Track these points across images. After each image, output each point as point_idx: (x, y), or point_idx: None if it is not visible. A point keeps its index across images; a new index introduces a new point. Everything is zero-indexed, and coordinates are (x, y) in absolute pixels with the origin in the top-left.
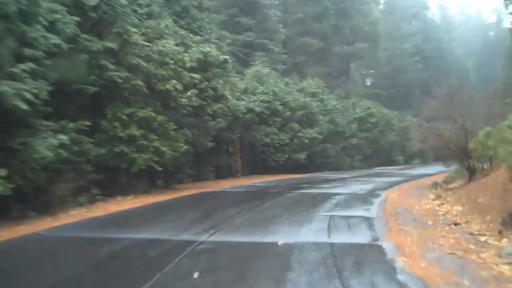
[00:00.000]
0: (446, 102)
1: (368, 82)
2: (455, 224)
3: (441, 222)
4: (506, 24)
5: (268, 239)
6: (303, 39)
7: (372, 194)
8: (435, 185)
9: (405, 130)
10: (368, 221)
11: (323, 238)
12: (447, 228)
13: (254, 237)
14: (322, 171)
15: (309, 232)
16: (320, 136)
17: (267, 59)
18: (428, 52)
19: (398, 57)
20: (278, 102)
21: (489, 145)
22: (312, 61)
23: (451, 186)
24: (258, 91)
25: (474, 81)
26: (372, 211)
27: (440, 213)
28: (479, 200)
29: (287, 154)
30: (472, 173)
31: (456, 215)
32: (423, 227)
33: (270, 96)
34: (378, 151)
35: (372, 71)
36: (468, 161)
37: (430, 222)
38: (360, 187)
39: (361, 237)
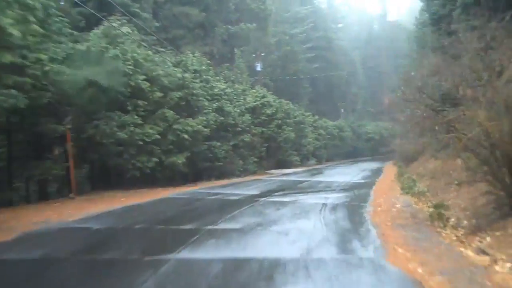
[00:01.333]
0: None
1: (259, 67)
2: None
3: None
4: (390, 18)
5: None
6: (181, 8)
7: None
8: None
9: (300, 125)
10: None
11: None
12: None
13: None
14: (209, 179)
15: None
16: (206, 130)
17: (132, 26)
18: (317, 40)
19: (287, 43)
20: (142, 77)
21: None
22: (191, 38)
23: None
24: (108, 55)
25: (360, 74)
26: None
27: None
28: None
29: (156, 157)
30: None
31: None
32: None
33: (129, 67)
34: (274, 151)
35: (260, 58)
36: None
37: None
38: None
39: None
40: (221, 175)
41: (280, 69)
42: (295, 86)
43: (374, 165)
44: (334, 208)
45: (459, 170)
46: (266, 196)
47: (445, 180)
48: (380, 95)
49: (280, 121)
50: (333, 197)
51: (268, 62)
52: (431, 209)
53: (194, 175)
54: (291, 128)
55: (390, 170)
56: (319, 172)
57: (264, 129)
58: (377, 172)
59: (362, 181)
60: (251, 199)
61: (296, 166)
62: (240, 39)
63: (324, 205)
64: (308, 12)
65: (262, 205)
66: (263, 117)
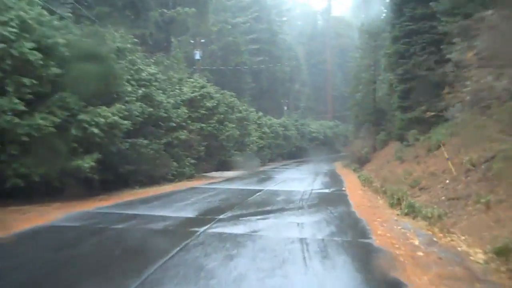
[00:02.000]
0: None
1: (197, 55)
2: None
3: None
4: (335, 13)
5: None
6: None
7: None
8: None
9: (244, 122)
10: None
11: None
12: None
13: None
14: (132, 188)
15: None
16: (126, 123)
17: None
18: (260, 32)
19: (229, 33)
20: (30, 44)
21: None
22: (120, 18)
23: None
24: None
25: (304, 71)
26: None
27: None
28: None
29: (50, 160)
30: None
31: None
32: None
33: (11, 29)
34: (215, 150)
35: (199, 45)
36: None
37: None
38: None
39: None
40: (149, 181)
41: (221, 61)
42: (237, 80)
43: (324, 167)
44: (323, 252)
45: (457, 176)
46: (208, 224)
47: (445, 193)
48: (324, 93)
49: (222, 116)
50: (308, 224)
51: (208, 53)
52: (490, 255)
53: (113, 182)
54: (234, 125)
55: (346, 173)
56: (268, 176)
57: (203, 124)
58: (334, 177)
59: (327, 190)
60: (183, 232)
61: (239, 168)
62: (177, 26)
63: (303, 243)
64: (252, 1)
65: (201, 247)
66: (202, 111)
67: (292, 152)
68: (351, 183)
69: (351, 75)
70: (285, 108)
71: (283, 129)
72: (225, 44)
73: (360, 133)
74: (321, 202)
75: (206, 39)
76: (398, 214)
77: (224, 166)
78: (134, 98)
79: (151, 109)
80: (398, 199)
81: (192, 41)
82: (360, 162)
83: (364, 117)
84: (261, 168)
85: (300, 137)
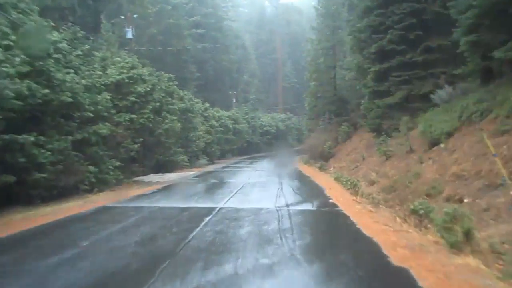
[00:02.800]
0: None
1: (129, 34)
2: None
3: None
4: (283, 1)
5: None
6: None
7: None
8: None
9: (188, 114)
10: None
11: None
12: None
13: None
14: (10, 211)
15: None
16: None
17: None
18: (205, 17)
19: (170, 14)
20: None
21: None
22: None
23: None
24: None
25: (253, 61)
26: None
27: None
28: None
29: None
30: None
31: None
32: None
33: None
34: (152, 148)
35: (132, 21)
36: None
37: None
38: None
39: None
40: (52, 195)
41: (162, 46)
42: (180, 69)
43: (283, 164)
44: None
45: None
46: None
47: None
48: (274, 84)
49: (158, 105)
50: None
51: (147, 37)
52: None
53: None
54: (175, 117)
55: (314, 173)
56: (220, 181)
57: (134, 116)
58: (302, 179)
59: (310, 206)
60: None
61: (183, 168)
62: (107, 3)
63: None
64: None
65: None
66: (132, 98)
67: (243, 147)
68: (332, 189)
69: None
70: (234, 100)
71: (233, 122)
72: (166, 27)
73: (318, 126)
74: (318, 239)
75: (145, 22)
76: (451, 252)
77: (165, 167)
78: (7, 69)
79: (46, 91)
80: (467, 232)
81: (123, 17)
82: (322, 157)
83: (322, 107)
84: (211, 168)
85: (251, 131)
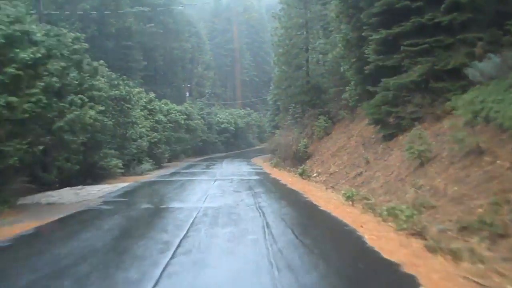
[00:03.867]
0: None
1: None
2: None
3: None
4: None
5: None
6: None
7: None
8: None
9: (122, 104)
10: None
11: None
12: None
13: None
14: None
15: None
16: None
17: None
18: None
19: None
20: None
21: None
22: None
23: None
24: None
25: (208, 52)
26: None
27: None
28: None
29: None
30: None
31: None
32: None
33: None
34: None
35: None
36: None
37: None
38: None
39: None
40: None
41: (97, 27)
42: (123, 57)
43: (249, 169)
44: None
45: None
46: None
47: None
48: (232, 77)
49: (56, 81)
50: None
51: (77, 15)
52: None
53: None
54: (103, 107)
55: (295, 182)
56: (155, 207)
57: (14, 98)
58: (289, 196)
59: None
60: None
61: (117, 177)
62: None
63: None
64: None
65: None
66: (10, 70)
67: (198, 147)
68: (373, 232)
69: (264, 54)
70: (187, 94)
71: (186, 117)
72: (101, 1)
73: (286, 121)
74: None
75: None
76: None
77: (92, 175)
78: None
79: None
80: None
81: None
82: (296, 159)
83: (292, 98)
84: (154, 175)
85: (207, 129)
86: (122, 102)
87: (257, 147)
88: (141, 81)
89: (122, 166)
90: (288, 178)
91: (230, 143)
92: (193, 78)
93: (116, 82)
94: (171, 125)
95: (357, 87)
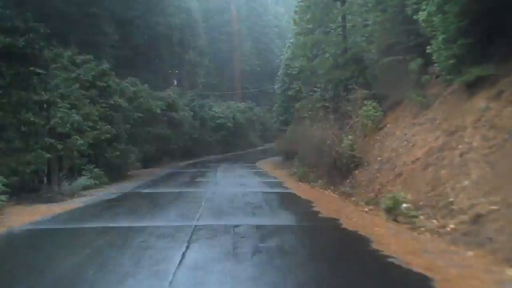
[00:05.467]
0: None
1: None
2: None
3: None
4: None
5: None
6: None
7: None
8: None
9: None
10: None
11: None
12: None
13: None
14: None
15: None
16: None
17: None
18: None
19: None
20: None
21: None
22: None
23: None
24: None
25: (203, 36)
26: None
27: None
28: None
29: None
30: None
31: None
32: None
33: None
34: None
35: None
36: None
37: None
38: None
39: None
40: None
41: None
42: (87, 28)
43: (262, 184)
44: None
45: None
46: None
47: None
48: (230, 65)
49: None
50: None
51: None
52: None
53: None
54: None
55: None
56: None
57: None
58: None
59: None
60: None
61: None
62: None
63: None
64: None
65: None
66: None
67: (187, 148)
68: None
69: (267, 40)
70: (175, 82)
71: (167, 108)
72: None
73: (308, 110)
74: None
75: None
76: None
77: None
78: None
79: None
80: None
81: None
82: (337, 168)
83: (324, 75)
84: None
85: (200, 125)
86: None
87: (260, 148)
88: (112, 61)
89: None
90: (374, 228)
91: (228, 143)
92: (184, 65)
93: None
94: (139, 114)
95: (457, 41)
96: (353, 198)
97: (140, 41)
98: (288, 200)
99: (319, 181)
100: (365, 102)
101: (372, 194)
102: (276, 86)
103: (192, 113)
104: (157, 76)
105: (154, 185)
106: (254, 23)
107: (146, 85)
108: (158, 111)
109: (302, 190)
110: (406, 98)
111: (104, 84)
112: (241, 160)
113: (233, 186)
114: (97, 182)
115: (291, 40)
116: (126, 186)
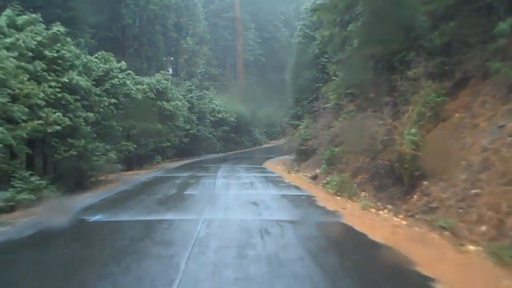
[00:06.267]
0: None
1: None
2: None
3: None
4: None
5: None
6: None
7: None
8: None
9: None
10: None
11: None
12: None
13: None
14: None
15: None
16: None
17: None
18: None
19: None
20: None
21: None
22: None
23: None
24: None
25: (202, 22)
26: None
27: None
28: None
29: None
30: None
31: None
32: None
33: None
34: None
35: None
36: None
37: None
38: None
39: None
40: None
41: None
42: (63, 3)
43: (291, 207)
44: None
45: None
46: None
47: None
48: (233, 55)
49: None
50: None
51: None
52: None
53: None
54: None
55: None
56: None
57: None
58: None
59: None
60: None
61: None
62: None
63: None
64: None
65: None
66: None
67: (184, 145)
68: None
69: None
70: (170, 70)
71: (157, 96)
72: None
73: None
74: None
75: None
76: None
77: None
78: None
79: None
80: None
81: None
82: (397, 177)
83: (367, 45)
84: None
85: (198, 120)
86: None
87: (266, 146)
88: (94, 43)
89: None
90: None
91: (230, 140)
92: (181, 53)
93: None
94: (113, 100)
95: None
96: (446, 232)
97: (129, 21)
98: (348, 246)
99: (362, 193)
100: (421, 81)
101: (484, 227)
102: (287, 76)
103: (189, 105)
104: (150, 63)
105: (113, 205)
106: (259, 9)
107: (123, 63)
108: (139, 97)
109: (353, 214)
110: (480, 73)
111: (55, 54)
112: (246, 160)
113: (241, 207)
114: (32, 196)
115: (303, 22)
116: (63, 207)
